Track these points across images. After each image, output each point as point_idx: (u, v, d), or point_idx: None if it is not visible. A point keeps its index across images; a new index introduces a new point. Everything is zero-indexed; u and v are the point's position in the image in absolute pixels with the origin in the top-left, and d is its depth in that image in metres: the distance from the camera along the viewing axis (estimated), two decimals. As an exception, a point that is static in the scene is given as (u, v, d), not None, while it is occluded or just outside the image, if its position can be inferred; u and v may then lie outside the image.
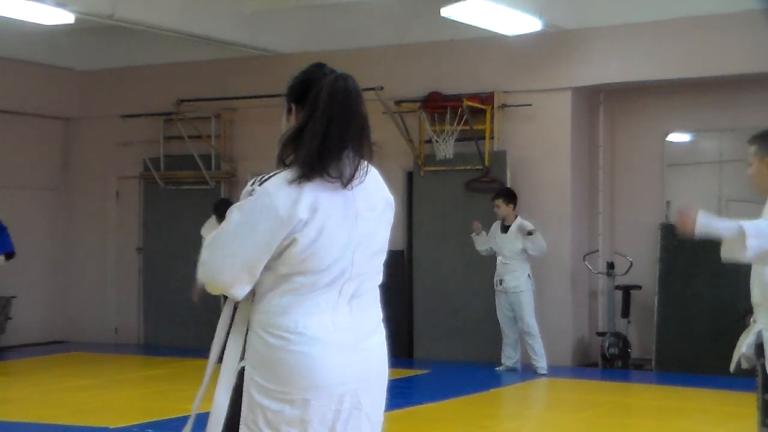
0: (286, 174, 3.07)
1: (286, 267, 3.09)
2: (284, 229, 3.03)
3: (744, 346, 4.95)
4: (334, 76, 3.14)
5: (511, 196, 11.41)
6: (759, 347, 4.85)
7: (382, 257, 3.26)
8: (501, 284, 11.30)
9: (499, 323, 11.42)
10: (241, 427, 3.17)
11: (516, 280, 11.24)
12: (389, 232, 3.29)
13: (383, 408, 3.31)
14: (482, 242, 11.41)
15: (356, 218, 3.13)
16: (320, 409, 3.11)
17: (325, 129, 3.05)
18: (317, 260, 3.07)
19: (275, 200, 3.03)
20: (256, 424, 3.13)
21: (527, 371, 11.29)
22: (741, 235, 4.77)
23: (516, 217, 11.33)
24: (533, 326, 11.25)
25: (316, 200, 3.05)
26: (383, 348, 3.28)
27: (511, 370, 11.35)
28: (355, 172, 3.09)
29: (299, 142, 3.08)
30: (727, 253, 4.90)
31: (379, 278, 3.27)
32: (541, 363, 11.22)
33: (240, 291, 3.12)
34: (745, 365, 4.99)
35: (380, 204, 3.23)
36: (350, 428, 3.16)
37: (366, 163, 3.13)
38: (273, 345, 3.10)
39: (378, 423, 3.28)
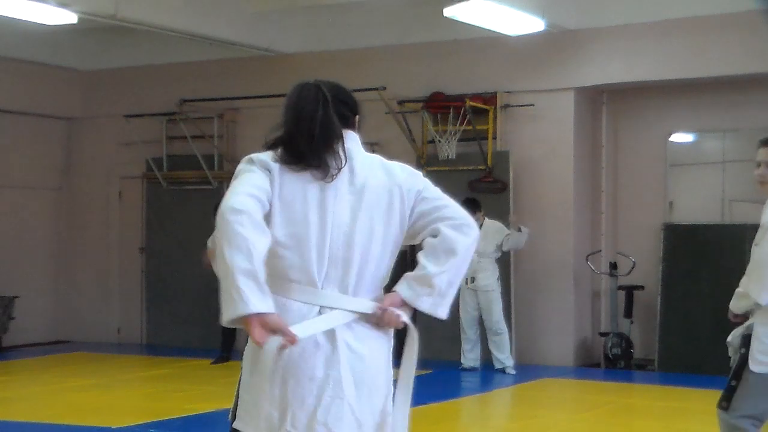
0: (274, 152, 3.28)
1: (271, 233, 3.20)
2: (264, 171, 3.20)
3: (730, 335, 5.02)
4: (300, 83, 3.35)
5: (478, 205, 11.20)
6: (746, 338, 4.90)
7: (381, 244, 3.28)
8: (472, 282, 11.24)
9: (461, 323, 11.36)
10: (238, 405, 3.29)
11: (488, 279, 11.27)
12: (396, 219, 3.30)
13: (381, 410, 3.27)
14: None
15: (336, 197, 3.22)
16: (300, 392, 3.15)
17: (291, 129, 3.26)
18: (291, 219, 3.18)
19: (260, 156, 3.26)
20: (247, 402, 3.23)
21: (487, 371, 11.28)
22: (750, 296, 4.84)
23: (483, 218, 11.29)
24: (503, 326, 11.31)
25: (292, 173, 3.22)
26: (379, 347, 3.28)
27: (472, 370, 11.34)
28: (330, 168, 3.23)
29: (276, 145, 3.30)
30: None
31: (376, 268, 3.29)
32: (510, 363, 11.29)
33: (246, 201, 3.08)
34: (730, 354, 5.05)
35: (375, 188, 3.27)
36: (331, 417, 3.16)
37: (341, 160, 3.25)
38: None
39: (369, 421, 3.23)
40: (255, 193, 3.12)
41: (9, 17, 10.70)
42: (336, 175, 3.22)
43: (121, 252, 14.51)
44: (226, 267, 2.99)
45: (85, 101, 14.69)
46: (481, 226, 11.27)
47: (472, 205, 11.30)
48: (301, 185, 3.21)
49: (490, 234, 11.27)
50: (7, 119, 13.96)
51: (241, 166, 3.25)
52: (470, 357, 11.39)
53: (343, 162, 3.24)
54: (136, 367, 12.41)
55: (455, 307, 11.73)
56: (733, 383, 4.92)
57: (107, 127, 14.43)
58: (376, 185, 3.28)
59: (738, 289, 5.00)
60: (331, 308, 3.20)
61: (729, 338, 5.05)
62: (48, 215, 14.71)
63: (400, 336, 3.41)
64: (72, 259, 14.78)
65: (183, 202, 13.82)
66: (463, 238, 3.29)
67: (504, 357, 11.30)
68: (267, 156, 3.25)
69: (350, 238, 3.21)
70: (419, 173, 3.40)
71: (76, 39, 13.49)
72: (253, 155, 3.26)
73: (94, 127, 14.64)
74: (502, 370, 11.25)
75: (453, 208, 3.35)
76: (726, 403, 4.96)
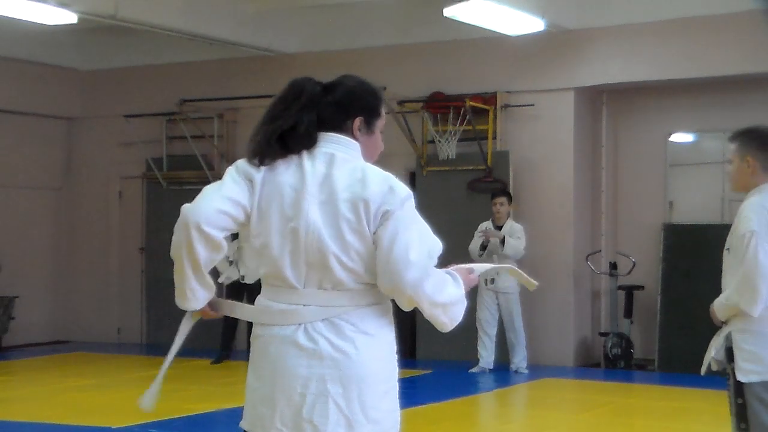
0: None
1: (250, 242, 3.28)
2: (245, 182, 3.24)
3: (713, 349, 4.93)
4: (294, 80, 3.33)
5: (510, 197, 11.46)
6: (729, 351, 4.83)
7: (356, 254, 3.18)
8: (492, 283, 11.22)
9: (478, 323, 11.33)
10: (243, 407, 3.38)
11: (508, 280, 11.18)
12: (365, 233, 3.18)
13: (373, 407, 3.22)
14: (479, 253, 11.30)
15: (309, 204, 3.20)
16: (286, 390, 3.20)
17: (263, 123, 3.30)
18: (266, 228, 3.22)
19: (245, 165, 3.29)
20: (246, 402, 3.33)
21: (502, 371, 11.29)
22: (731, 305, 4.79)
23: (509, 217, 11.35)
24: (522, 328, 11.31)
25: (268, 175, 3.24)
26: (368, 343, 3.23)
27: (485, 371, 11.30)
28: (287, 156, 3.24)
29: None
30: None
31: (356, 276, 3.21)
32: (524, 363, 11.32)
33: (213, 219, 3.22)
34: (714, 368, 4.96)
35: (346, 202, 3.18)
36: (316, 414, 3.18)
37: (305, 154, 3.23)
38: (255, 326, 3.35)
39: (361, 419, 3.19)
40: (225, 209, 3.21)
41: (9, 17, 10.70)
42: (290, 166, 3.23)
43: (121, 252, 14.51)
44: (182, 272, 3.40)
45: (85, 101, 14.69)
46: (502, 227, 11.27)
47: (509, 197, 11.36)
48: (277, 194, 3.22)
49: (511, 235, 11.26)
50: (7, 119, 13.96)
51: (227, 170, 3.31)
52: (487, 359, 11.33)
53: (298, 159, 3.23)
54: (135, 367, 12.39)
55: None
56: (740, 401, 4.77)
57: (107, 127, 14.43)
58: (347, 198, 3.19)
59: (724, 302, 4.93)
60: (313, 305, 3.22)
61: (713, 353, 4.98)
62: (48, 215, 14.70)
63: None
64: (72, 259, 14.78)
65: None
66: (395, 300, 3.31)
67: (519, 359, 11.31)
68: (250, 164, 3.26)
69: (324, 249, 3.18)
70: (402, 192, 3.21)
71: (76, 39, 13.49)
72: (239, 162, 3.30)
73: (94, 127, 14.64)
74: (515, 371, 11.29)
75: (395, 258, 3.14)
76: (744, 424, 4.75)
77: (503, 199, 11.36)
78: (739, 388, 4.77)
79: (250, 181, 3.23)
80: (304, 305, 3.22)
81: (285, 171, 3.23)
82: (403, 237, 3.16)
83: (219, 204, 3.22)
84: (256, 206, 3.23)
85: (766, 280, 4.62)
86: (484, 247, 11.25)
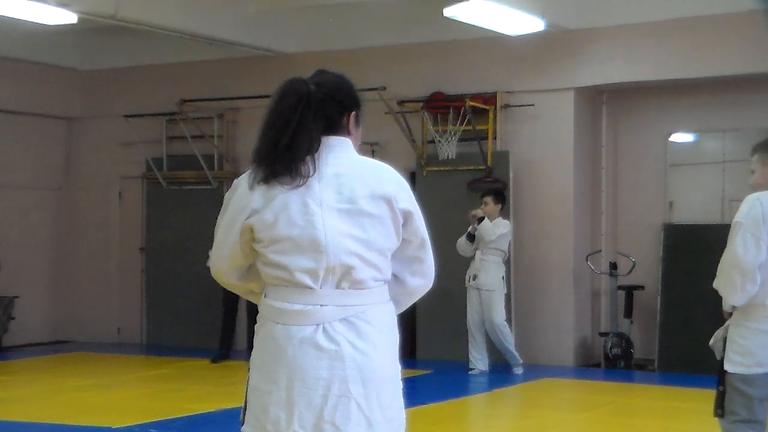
0: (250, 171, 3.27)
1: (261, 254, 3.23)
2: (242, 216, 3.21)
3: (712, 339, 5.15)
4: (287, 81, 3.27)
5: (500, 196, 11.40)
6: (725, 341, 5.04)
7: (377, 251, 3.21)
8: (474, 280, 11.18)
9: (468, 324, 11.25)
10: (246, 412, 3.28)
11: (489, 278, 11.12)
12: (389, 228, 3.23)
13: (389, 406, 3.25)
14: (468, 245, 11.19)
15: (321, 207, 3.16)
16: (306, 393, 3.14)
17: (262, 133, 3.26)
18: (275, 240, 3.18)
19: (238, 191, 3.27)
20: (255, 406, 3.22)
21: (501, 371, 11.22)
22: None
23: (499, 215, 11.32)
24: (503, 327, 11.16)
25: (270, 191, 3.18)
26: (385, 343, 3.25)
27: (483, 372, 11.18)
28: (300, 176, 3.16)
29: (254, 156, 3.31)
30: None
31: (377, 273, 3.23)
32: (515, 361, 11.23)
33: (226, 276, 3.37)
34: (718, 357, 5.17)
35: (365, 198, 3.20)
36: (338, 416, 3.14)
37: (308, 169, 3.16)
38: (263, 325, 3.24)
39: (379, 418, 3.21)
40: (235, 264, 3.30)
41: (9, 17, 10.70)
42: (305, 182, 3.15)
43: (121, 252, 14.51)
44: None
45: (85, 101, 14.69)
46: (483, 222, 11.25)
47: (496, 196, 11.33)
48: (281, 204, 3.17)
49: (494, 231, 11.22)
50: (7, 119, 13.95)
51: (226, 198, 3.33)
52: (479, 360, 11.23)
53: (311, 172, 3.16)
54: (136, 367, 12.41)
55: (458, 308, 11.77)
56: (721, 388, 5.04)
57: (107, 127, 14.42)
58: (367, 194, 3.21)
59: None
60: (330, 305, 3.18)
61: (711, 341, 5.20)
62: (48, 215, 14.70)
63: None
64: (72, 259, 14.78)
65: (183, 202, 13.82)
66: (408, 303, 3.47)
67: (508, 356, 11.27)
68: (245, 184, 3.23)
69: (348, 252, 3.16)
70: (406, 185, 3.35)
71: (76, 39, 13.49)
72: (237, 192, 3.26)
73: (94, 127, 14.64)
74: (511, 369, 11.24)
75: (430, 258, 3.40)
76: (720, 410, 5.04)
77: (487, 199, 11.32)
78: (722, 377, 5.05)
79: (246, 205, 3.20)
80: (321, 305, 3.17)
81: (289, 182, 3.16)
82: (425, 237, 3.35)
83: (230, 264, 3.31)
84: (258, 224, 3.18)
85: (740, 272, 4.92)
86: (471, 237, 11.18)
